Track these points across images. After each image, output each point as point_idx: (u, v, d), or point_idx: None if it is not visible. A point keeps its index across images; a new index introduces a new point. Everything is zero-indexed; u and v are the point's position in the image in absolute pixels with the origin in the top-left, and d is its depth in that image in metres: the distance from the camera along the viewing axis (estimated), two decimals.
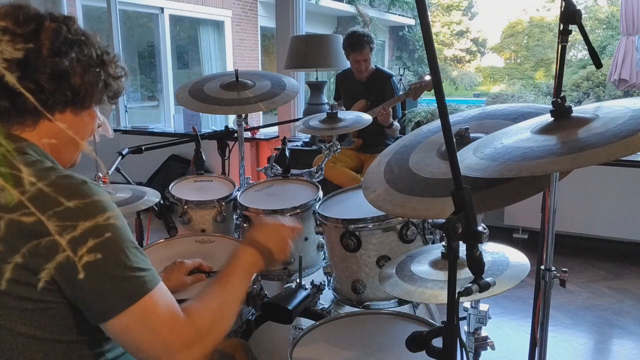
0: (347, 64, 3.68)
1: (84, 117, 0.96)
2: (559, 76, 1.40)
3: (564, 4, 1.31)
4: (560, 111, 1.04)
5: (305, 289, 1.35)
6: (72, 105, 0.92)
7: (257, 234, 1.12)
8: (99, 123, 1.03)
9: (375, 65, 3.60)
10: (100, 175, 1.86)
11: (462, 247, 0.86)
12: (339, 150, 2.18)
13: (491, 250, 1.33)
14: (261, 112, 9.01)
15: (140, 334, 0.84)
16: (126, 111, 5.98)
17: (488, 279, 0.91)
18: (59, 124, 0.91)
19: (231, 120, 5.81)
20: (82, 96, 0.92)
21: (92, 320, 0.86)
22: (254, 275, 1.08)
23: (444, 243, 1.33)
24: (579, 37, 1.36)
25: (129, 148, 2.25)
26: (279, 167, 2.17)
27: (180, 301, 0.91)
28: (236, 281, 1.02)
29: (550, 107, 1.06)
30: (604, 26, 17.18)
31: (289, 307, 1.26)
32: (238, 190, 2.05)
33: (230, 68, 9.48)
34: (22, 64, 0.85)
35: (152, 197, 1.94)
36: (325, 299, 1.70)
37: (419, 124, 4.19)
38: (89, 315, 0.85)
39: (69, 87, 0.89)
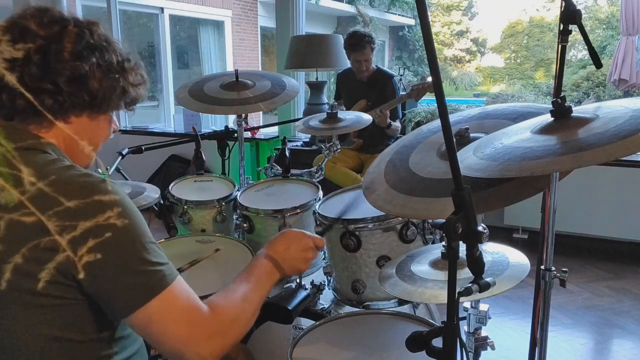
0: (348, 64, 3.68)
1: (100, 122, 0.97)
2: (559, 76, 1.40)
3: (564, 4, 1.31)
4: (560, 111, 1.04)
5: (305, 289, 1.35)
6: (89, 109, 0.93)
7: (274, 245, 1.13)
8: (115, 128, 1.04)
9: (377, 65, 3.60)
10: (100, 172, 1.86)
11: (462, 247, 0.86)
12: (339, 150, 2.18)
13: (491, 250, 1.32)
14: (261, 112, 9.01)
15: (162, 327, 0.85)
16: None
17: (488, 279, 0.90)
18: (65, 129, 0.92)
19: (231, 120, 5.81)
20: (100, 101, 0.93)
21: (113, 316, 0.87)
22: (273, 283, 1.10)
23: (444, 243, 1.33)
24: (579, 37, 1.36)
25: (129, 148, 2.24)
26: (279, 167, 2.17)
27: (202, 297, 0.92)
28: (257, 282, 1.04)
29: (550, 107, 1.06)
30: (604, 26, 17.19)
31: (289, 307, 1.25)
32: (238, 190, 2.05)
33: (230, 68, 9.48)
34: (43, 65, 0.86)
35: (152, 192, 1.94)
36: (325, 299, 1.70)
37: (419, 124, 4.19)
38: (109, 311, 0.86)
39: (87, 91, 0.90)
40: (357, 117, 2.13)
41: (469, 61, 22.71)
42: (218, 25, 10.32)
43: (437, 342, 0.92)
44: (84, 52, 0.90)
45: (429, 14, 0.77)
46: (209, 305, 0.92)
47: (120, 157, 2.18)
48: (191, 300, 0.89)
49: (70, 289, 0.82)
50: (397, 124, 3.48)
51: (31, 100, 0.87)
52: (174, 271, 0.88)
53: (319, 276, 1.76)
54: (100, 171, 1.82)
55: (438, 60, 0.79)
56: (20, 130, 0.89)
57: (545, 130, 1.03)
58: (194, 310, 0.88)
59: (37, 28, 0.88)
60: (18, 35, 0.86)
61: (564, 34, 1.35)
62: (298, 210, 1.80)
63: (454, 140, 0.83)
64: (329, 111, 2.11)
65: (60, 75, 0.87)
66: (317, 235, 1.21)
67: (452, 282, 0.87)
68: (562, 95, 1.08)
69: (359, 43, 3.40)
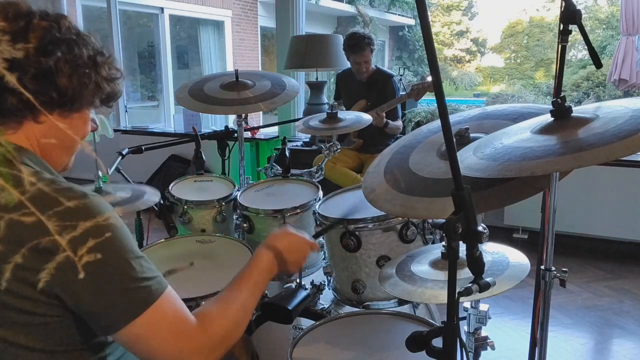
0: (347, 64, 3.68)
1: (74, 120, 0.93)
2: (559, 76, 1.40)
3: (564, 4, 1.31)
4: (560, 111, 1.04)
5: (305, 289, 1.35)
6: (60, 107, 0.89)
7: (280, 242, 1.13)
8: (93, 127, 0.99)
9: (376, 65, 3.60)
10: (100, 174, 1.86)
11: (462, 247, 0.86)
12: (339, 150, 2.18)
13: (491, 250, 1.32)
14: (261, 112, 9.01)
15: (150, 343, 0.84)
16: (126, 111, 5.99)
17: (488, 279, 0.90)
18: (52, 123, 0.89)
19: (231, 120, 5.81)
20: (70, 97, 0.88)
21: (100, 332, 0.86)
22: (270, 279, 1.10)
23: (444, 243, 1.33)
24: (579, 37, 1.36)
25: (129, 148, 2.25)
26: (279, 167, 2.17)
27: (190, 300, 0.91)
28: (251, 288, 1.03)
29: (550, 107, 1.06)
30: (604, 26, 17.19)
31: (289, 307, 1.25)
32: (238, 190, 2.05)
33: (230, 68, 9.48)
34: (9, 62, 0.82)
35: (152, 196, 1.94)
36: (325, 299, 1.70)
37: (419, 124, 4.19)
38: (95, 327, 0.85)
39: (55, 88, 0.86)
40: (357, 117, 2.13)
41: (469, 61, 22.71)
42: (218, 25, 10.32)
43: (437, 342, 0.92)
44: (49, 47, 0.85)
45: (429, 14, 0.77)
46: (200, 317, 0.90)
47: (120, 157, 2.18)
48: (179, 313, 0.87)
49: (58, 307, 0.81)
50: (397, 123, 3.48)
51: None
52: (162, 284, 0.86)
53: (319, 276, 1.76)
54: (101, 174, 1.83)
55: (438, 60, 0.79)
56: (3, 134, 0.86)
57: (545, 130, 1.03)
58: (183, 324, 0.87)
59: (3, 24, 0.84)
60: None
61: (564, 34, 1.35)
62: (298, 210, 1.80)
63: (454, 140, 0.83)
64: (329, 111, 2.11)
65: (25, 73, 0.83)
66: (313, 241, 1.22)
67: (452, 282, 0.87)
68: (562, 95, 1.08)
69: (358, 45, 3.39)
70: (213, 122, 6.60)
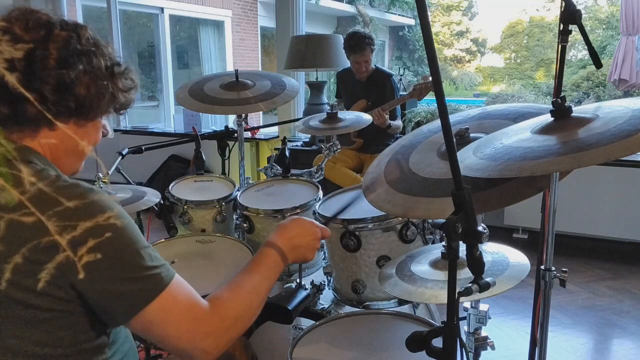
0: (347, 64, 3.68)
1: (88, 128, 0.94)
2: (559, 76, 1.40)
3: (564, 4, 1.31)
4: (560, 111, 1.04)
5: (305, 289, 1.35)
6: (77, 116, 0.90)
7: (288, 227, 1.12)
8: (104, 132, 1.02)
9: (375, 65, 3.60)
10: (101, 175, 1.86)
11: (462, 247, 0.86)
12: (339, 150, 2.18)
13: (491, 250, 1.33)
14: (261, 112, 9.01)
15: (163, 328, 0.86)
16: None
17: (488, 279, 0.91)
18: (67, 131, 0.90)
19: (231, 120, 5.81)
20: (87, 108, 0.90)
21: (112, 324, 0.87)
22: (279, 273, 1.09)
23: (444, 243, 1.33)
24: (579, 37, 1.36)
25: (129, 148, 2.25)
26: (279, 167, 2.17)
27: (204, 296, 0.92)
28: (263, 271, 1.03)
29: (550, 107, 1.06)
30: (604, 26, 17.18)
31: (289, 307, 1.25)
32: (238, 190, 2.05)
33: (230, 68, 9.47)
34: (27, 72, 0.83)
35: (152, 197, 1.94)
36: (325, 299, 1.70)
37: (419, 124, 4.19)
38: (107, 318, 0.86)
39: (73, 98, 0.87)
40: (357, 117, 2.13)
41: (469, 61, 22.70)
42: (218, 25, 10.32)
43: (437, 342, 0.92)
44: (71, 59, 0.86)
45: (429, 14, 0.77)
46: (212, 301, 0.91)
47: (120, 157, 2.18)
48: (190, 298, 0.89)
49: (65, 302, 0.82)
50: (397, 123, 3.48)
51: (13, 108, 0.84)
52: (170, 271, 0.88)
53: (319, 276, 1.76)
54: (101, 175, 1.83)
55: (438, 60, 0.79)
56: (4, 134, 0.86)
57: (545, 130, 1.03)
58: (194, 309, 0.89)
59: (22, 32, 0.84)
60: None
61: (564, 34, 1.35)
62: (298, 210, 1.80)
63: (454, 140, 0.83)
64: (329, 111, 2.11)
65: (45, 84, 0.84)
66: (324, 226, 1.21)
67: (452, 282, 0.87)
68: (562, 95, 1.08)
69: (358, 45, 3.40)
70: (213, 122, 6.59)
